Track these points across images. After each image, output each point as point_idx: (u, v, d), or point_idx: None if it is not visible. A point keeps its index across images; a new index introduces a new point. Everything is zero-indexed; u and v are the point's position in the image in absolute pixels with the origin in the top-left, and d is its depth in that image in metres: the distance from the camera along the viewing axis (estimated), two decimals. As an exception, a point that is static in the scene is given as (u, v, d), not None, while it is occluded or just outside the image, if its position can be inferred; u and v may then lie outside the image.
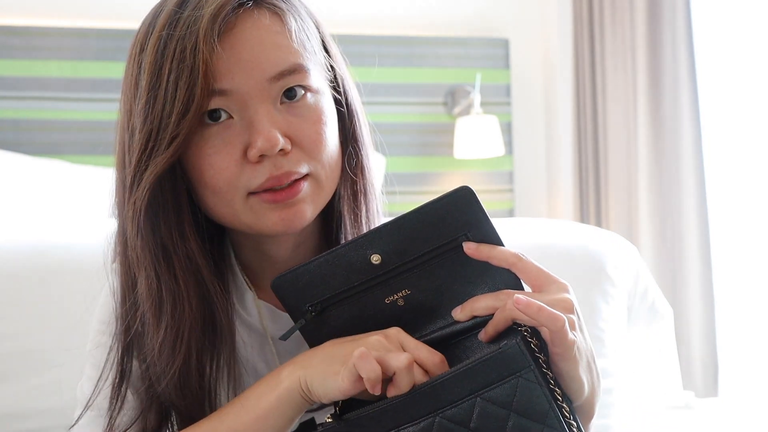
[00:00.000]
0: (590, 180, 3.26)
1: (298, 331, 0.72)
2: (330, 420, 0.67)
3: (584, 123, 3.29)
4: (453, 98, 3.27)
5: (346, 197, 0.81)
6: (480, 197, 0.68)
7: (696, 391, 2.78)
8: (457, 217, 0.68)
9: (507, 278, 0.70)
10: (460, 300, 0.70)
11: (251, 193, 0.73)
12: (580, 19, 3.31)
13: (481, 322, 0.69)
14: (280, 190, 0.73)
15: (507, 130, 3.33)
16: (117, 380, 0.77)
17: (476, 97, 3.14)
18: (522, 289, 0.71)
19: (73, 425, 0.79)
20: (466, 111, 3.21)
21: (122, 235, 0.77)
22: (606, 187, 3.18)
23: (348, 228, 0.81)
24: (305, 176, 0.74)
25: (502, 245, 0.69)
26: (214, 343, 0.76)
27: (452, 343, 0.70)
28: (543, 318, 0.63)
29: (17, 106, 2.81)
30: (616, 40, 3.15)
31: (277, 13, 0.74)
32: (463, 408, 0.63)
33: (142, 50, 0.73)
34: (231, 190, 0.73)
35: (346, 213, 0.81)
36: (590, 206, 3.25)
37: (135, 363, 0.77)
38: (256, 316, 0.82)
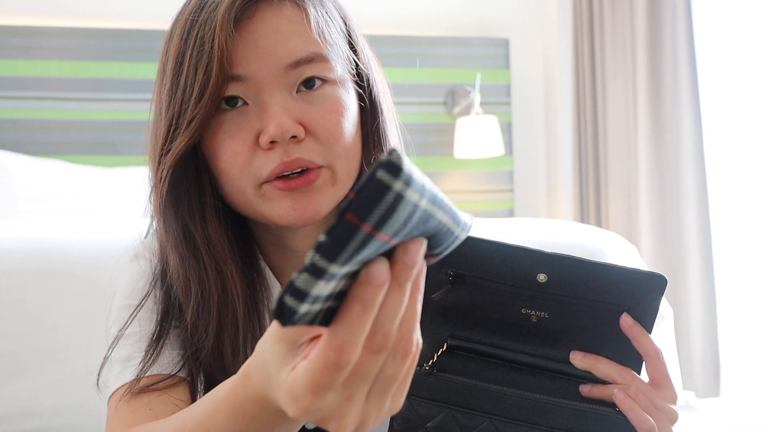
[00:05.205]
0: (590, 180, 3.25)
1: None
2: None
3: (584, 123, 3.29)
4: (453, 98, 3.27)
5: None
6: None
7: (696, 391, 2.78)
8: (636, 292, 0.69)
9: (634, 354, 0.72)
10: (583, 346, 0.72)
11: (264, 182, 0.73)
12: (580, 19, 3.31)
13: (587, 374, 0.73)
14: (294, 177, 0.73)
15: (507, 129, 3.33)
16: (155, 335, 0.76)
17: (476, 97, 3.14)
18: (641, 367, 0.73)
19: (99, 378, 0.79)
20: (466, 111, 3.21)
21: (156, 215, 0.79)
22: (606, 187, 3.17)
23: None
24: (321, 168, 0.74)
25: (651, 332, 0.71)
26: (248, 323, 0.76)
27: (546, 373, 0.73)
28: (633, 416, 0.69)
29: (17, 106, 2.82)
30: (616, 40, 3.15)
31: (299, 4, 0.75)
32: None
33: (171, 35, 0.76)
34: (243, 177, 0.73)
35: None
36: (590, 206, 3.25)
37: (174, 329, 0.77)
38: None
